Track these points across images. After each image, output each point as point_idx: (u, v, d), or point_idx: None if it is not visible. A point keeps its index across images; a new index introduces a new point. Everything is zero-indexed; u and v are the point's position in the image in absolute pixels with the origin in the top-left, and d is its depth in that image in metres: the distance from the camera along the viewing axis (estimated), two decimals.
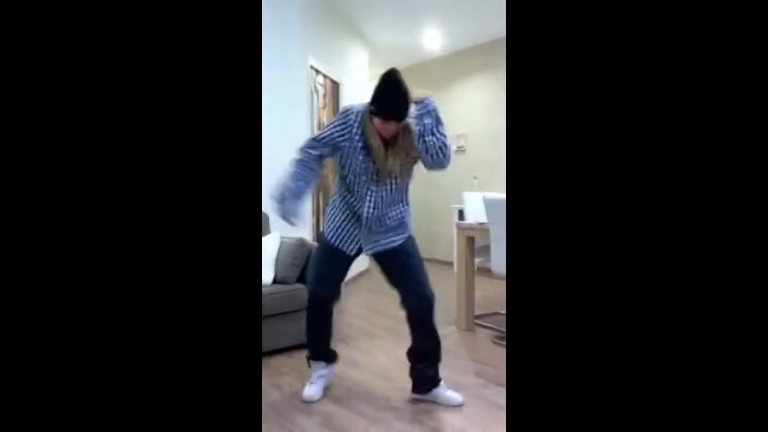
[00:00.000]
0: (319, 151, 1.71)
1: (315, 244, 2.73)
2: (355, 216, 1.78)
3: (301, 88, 3.57)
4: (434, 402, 1.86)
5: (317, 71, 3.95)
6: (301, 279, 2.59)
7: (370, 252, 1.81)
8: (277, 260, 2.60)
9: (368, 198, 1.72)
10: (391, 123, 1.59)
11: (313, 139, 1.72)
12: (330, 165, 4.28)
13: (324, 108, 4.17)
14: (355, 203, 1.76)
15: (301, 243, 2.61)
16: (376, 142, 1.63)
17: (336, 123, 1.68)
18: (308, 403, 1.89)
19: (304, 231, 3.49)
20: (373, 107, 1.58)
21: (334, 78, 4.30)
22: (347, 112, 1.68)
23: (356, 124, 1.65)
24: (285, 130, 3.45)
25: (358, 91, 4.91)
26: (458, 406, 1.83)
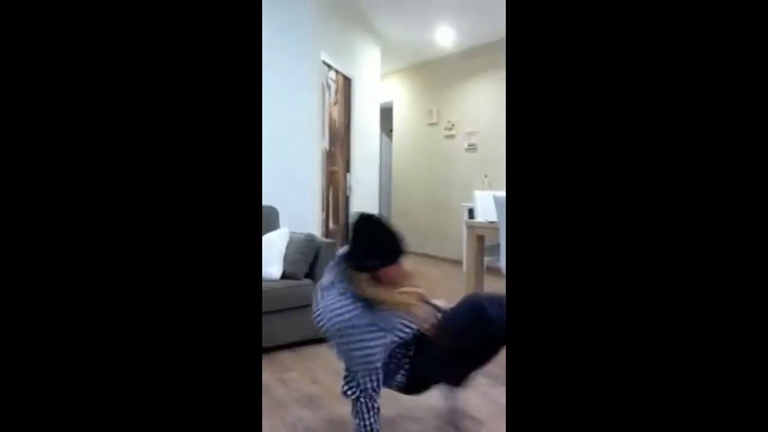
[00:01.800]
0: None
1: (324, 240, 2.73)
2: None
3: (314, 83, 3.57)
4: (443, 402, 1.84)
5: (329, 66, 3.94)
6: (309, 275, 2.59)
7: None
8: (285, 255, 2.60)
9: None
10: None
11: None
12: (339, 161, 4.28)
13: (336, 104, 4.17)
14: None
15: (310, 238, 2.61)
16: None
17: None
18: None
19: (314, 227, 3.50)
20: (378, 261, 1.44)
21: (347, 74, 4.29)
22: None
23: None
24: (297, 125, 3.45)
25: (370, 87, 4.90)
26: (466, 408, 1.82)
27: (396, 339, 1.45)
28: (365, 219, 1.48)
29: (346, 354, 1.45)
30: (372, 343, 1.41)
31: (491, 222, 2.93)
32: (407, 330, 1.47)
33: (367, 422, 1.42)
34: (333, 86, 4.09)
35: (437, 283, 4.24)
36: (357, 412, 1.44)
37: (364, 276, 1.45)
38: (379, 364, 1.43)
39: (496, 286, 4.10)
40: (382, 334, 1.42)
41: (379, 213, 1.46)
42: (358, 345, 1.42)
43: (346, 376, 1.48)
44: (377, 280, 1.46)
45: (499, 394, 1.94)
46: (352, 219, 1.47)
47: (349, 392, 1.46)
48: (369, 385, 1.43)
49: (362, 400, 1.44)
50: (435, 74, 5.96)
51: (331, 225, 4.14)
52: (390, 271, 1.46)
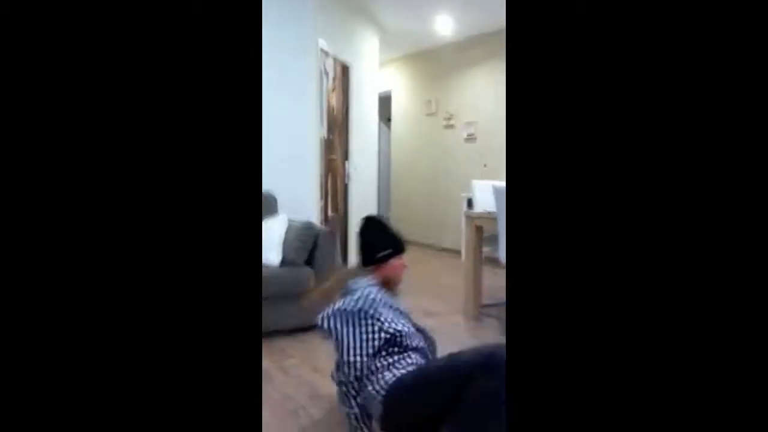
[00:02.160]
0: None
1: (322, 227, 2.73)
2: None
3: (312, 70, 3.54)
4: None
5: (327, 54, 3.91)
6: (308, 261, 2.59)
7: None
8: (284, 242, 2.60)
9: (420, 342, 1.54)
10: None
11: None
12: (338, 149, 4.26)
13: (333, 90, 4.14)
14: (414, 359, 1.47)
15: (309, 226, 2.60)
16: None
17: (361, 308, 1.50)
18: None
19: (312, 214, 3.49)
20: (390, 251, 1.63)
21: (345, 61, 4.26)
22: (359, 289, 1.54)
23: (376, 291, 1.54)
24: (295, 113, 3.43)
25: (369, 76, 4.87)
26: None
27: (385, 327, 1.45)
28: (371, 219, 1.68)
29: (336, 333, 1.47)
30: (359, 328, 1.46)
31: (490, 212, 2.92)
32: (394, 323, 1.47)
33: (355, 409, 1.44)
34: (331, 73, 4.06)
35: (436, 274, 4.25)
36: (344, 399, 1.48)
37: (369, 271, 1.60)
38: (363, 351, 1.44)
39: (495, 277, 4.11)
40: (369, 321, 1.47)
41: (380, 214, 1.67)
42: (345, 330, 1.47)
43: (336, 363, 1.54)
44: (381, 276, 1.61)
45: None
46: (359, 225, 1.68)
47: (334, 377, 1.54)
48: (351, 370, 1.44)
49: (344, 388, 1.47)
50: (434, 63, 5.92)
51: (329, 213, 4.13)
52: (395, 264, 1.63)
